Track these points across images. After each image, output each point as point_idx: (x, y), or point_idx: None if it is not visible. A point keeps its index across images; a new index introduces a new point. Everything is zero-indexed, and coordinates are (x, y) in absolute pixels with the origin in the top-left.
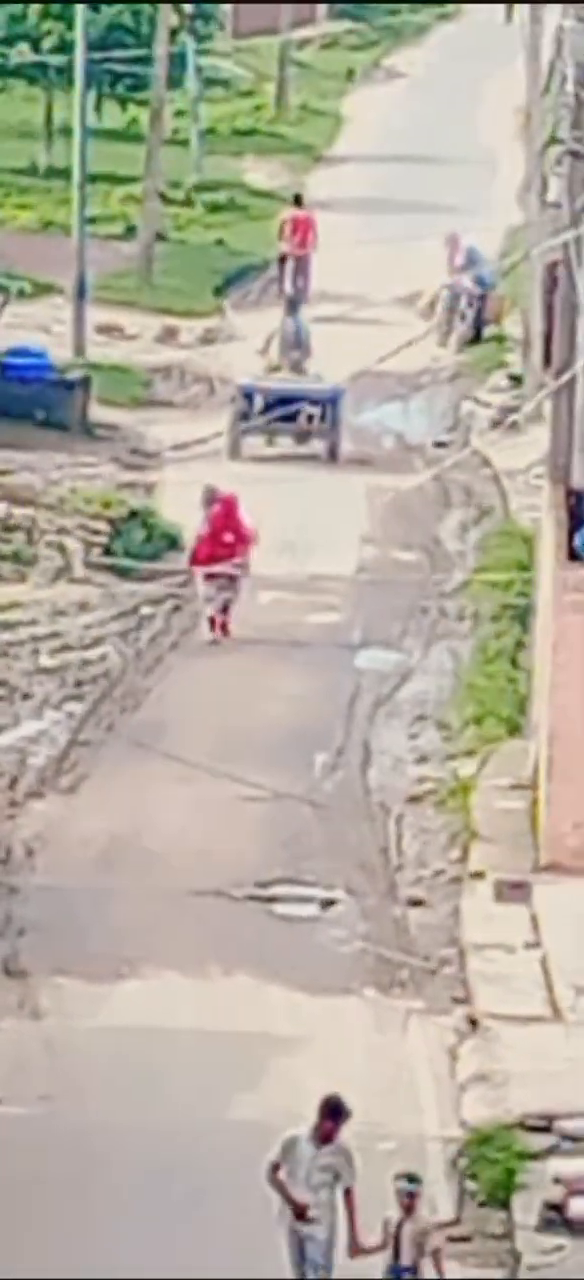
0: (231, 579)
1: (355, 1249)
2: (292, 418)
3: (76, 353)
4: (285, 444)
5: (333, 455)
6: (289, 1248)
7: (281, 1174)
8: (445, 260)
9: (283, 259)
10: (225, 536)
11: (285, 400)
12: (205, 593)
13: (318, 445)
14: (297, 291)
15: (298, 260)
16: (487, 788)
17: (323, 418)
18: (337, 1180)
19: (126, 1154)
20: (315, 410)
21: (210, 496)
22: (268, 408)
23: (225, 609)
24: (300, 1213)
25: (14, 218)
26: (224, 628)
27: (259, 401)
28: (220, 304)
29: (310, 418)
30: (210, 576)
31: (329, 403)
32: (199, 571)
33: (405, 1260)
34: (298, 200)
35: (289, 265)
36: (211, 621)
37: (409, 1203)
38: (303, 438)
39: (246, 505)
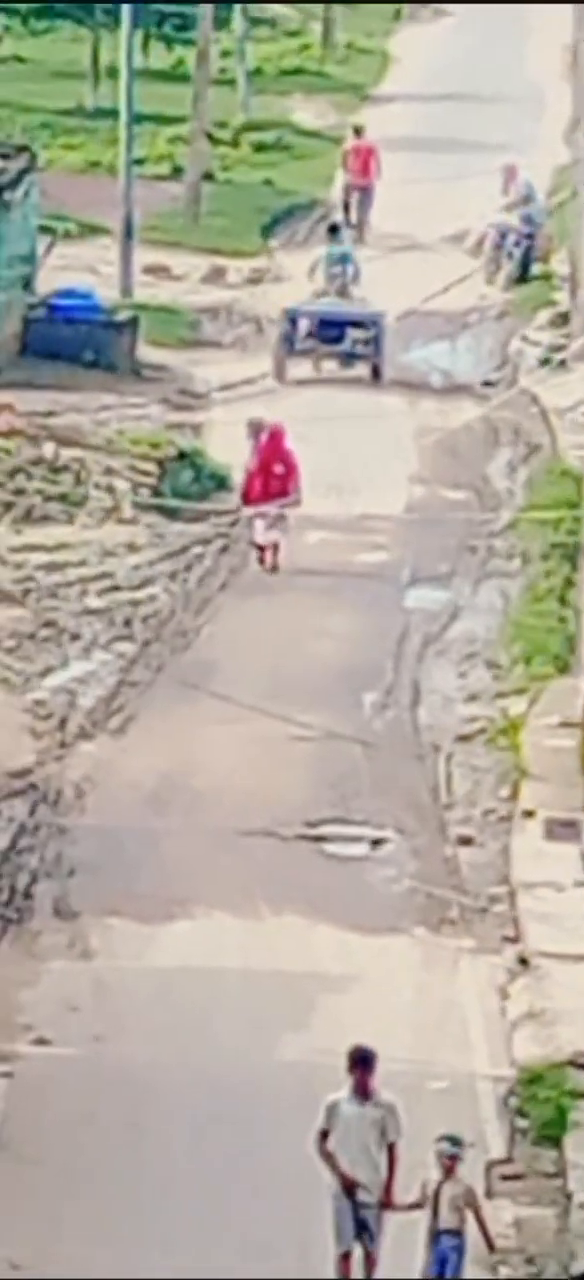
0: (281, 511)
1: (389, 1202)
2: (337, 340)
3: (124, 293)
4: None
5: (376, 376)
6: (337, 1216)
7: (331, 1143)
8: (500, 190)
9: (346, 188)
10: (275, 467)
11: (330, 323)
12: (257, 525)
13: (362, 368)
14: (360, 220)
15: (361, 190)
16: (536, 726)
17: (367, 341)
18: (383, 1137)
19: (176, 1095)
20: (360, 333)
21: (257, 428)
22: (313, 331)
23: (275, 542)
24: (351, 1187)
25: (61, 158)
26: (274, 561)
27: (305, 325)
28: (267, 244)
29: (355, 341)
30: (263, 505)
31: (373, 325)
32: (250, 508)
33: (444, 1223)
34: (358, 131)
35: (354, 195)
36: (261, 552)
37: (450, 1164)
38: (348, 360)
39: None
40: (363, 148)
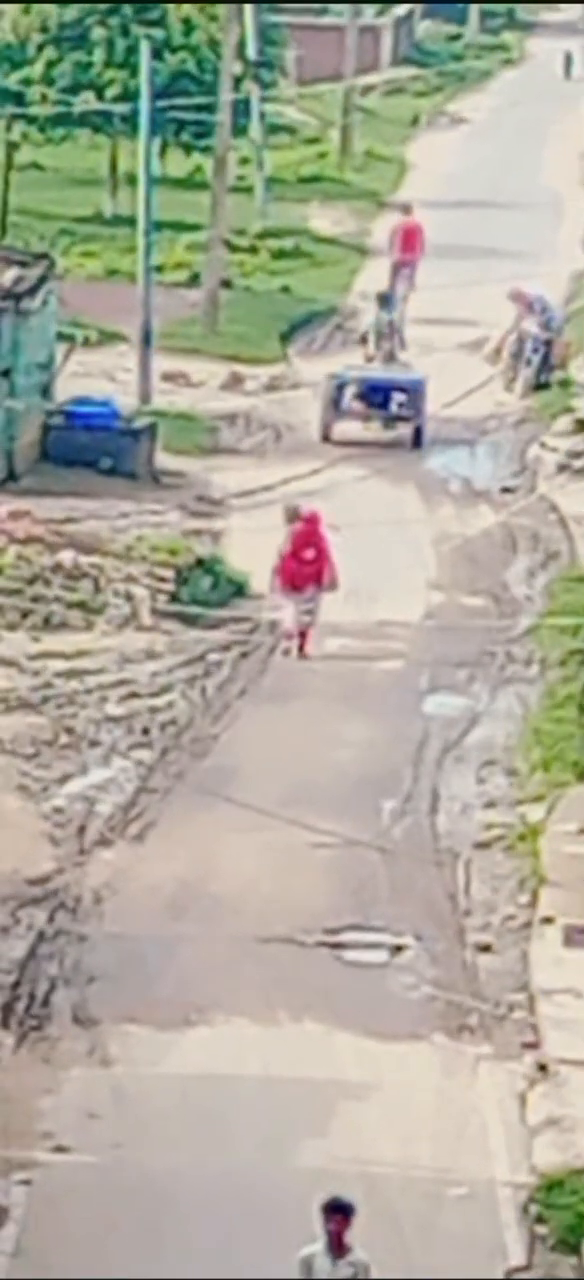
0: (313, 596)
1: None
2: (383, 404)
3: (142, 400)
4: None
5: (418, 438)
6: None
7: None
8: (514, 313)
9: (395, 265)
10: (307, 554)
11: (376, 388)
12: (285, 609)
13: (404, 430)
14: (406, 293)
15: (408, 265)
16: (555, 833)
17: (409, 404)
18: None
19: (196, 1201)
20: (403, 397)
21: (293, 514)
22: (360, 394)
23: (304, 630)
24: None
25: (80, 266)
26: (302, 648)
27: (351, 389)
28: (286, 351)
29: (400, 404)
30: (292, 593)
31: (414, 391)
32: (279, 589)
33: None
34: (407, 210)
35: (402, 271)
36: (287, 639)
37: None
38: (391, 422)
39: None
40: (410, 226)
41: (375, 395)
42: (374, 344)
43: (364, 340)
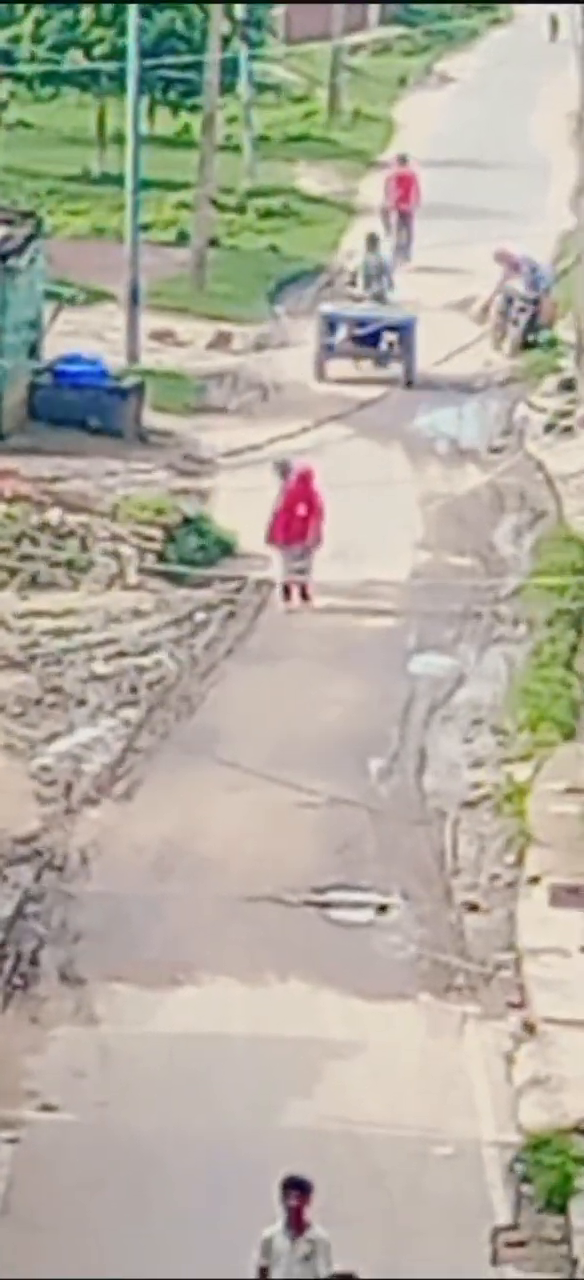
0: (304, 550)
1: None
2: (373, 343)
3: (130, 359)
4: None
5: (409, 376)
6: None
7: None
8: (500, 274)
9: (385, 211)
10: (299, 509)
11: (366, 326)
12: (279, 563)
13: (396, 368)
14: (402, 243)
15: (402, 214)
16: (542, 792)
17: (400, 344)
18: (314, 1272)
19: (181, 1160)
20: (393, 336)
21: (284, 469)
22: (352, 335)
23: (302, 578)
24: None
25: (67, 224)
26: (305, 596)
27: (343, 328)
28: (273, 310)
29: (390, 343)
30: (284, 547)
31: (405, 329)
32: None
33: None
34: (402, 159)
35: (393, 218)
36: (286, 591)
37: None
38: (382, 361)
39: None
40: (404, 175)
41: (367, 335)
42: (364, 285)
43: (353, 282)
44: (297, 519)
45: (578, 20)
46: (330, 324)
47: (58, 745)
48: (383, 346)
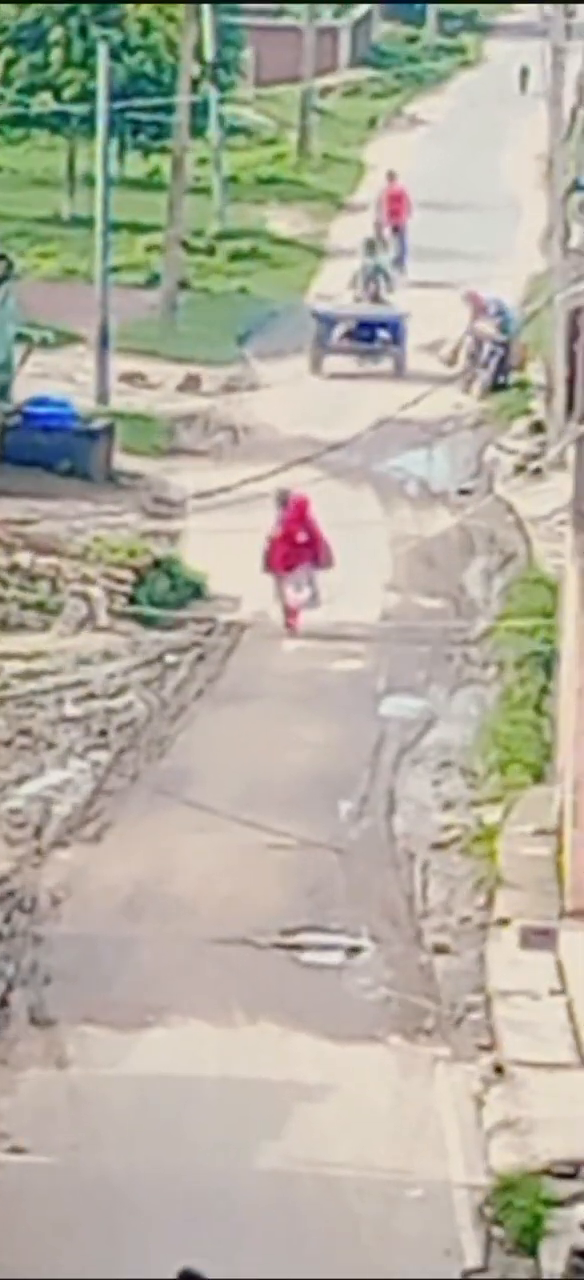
0: (309, 578)
1: None
2: (369, 339)
3: (100, 401)
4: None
5: (399, 368)
6: None
7: None
8: (468, 316)
9: (378, 226)
10: (299, 537)
11: (364, 325)
12: (280, 591)
13: (386, 362)
14: (398, 254)
15: (395, 229)
16: (512, 834)
17: (392, 340)
18: None
19: (152, 1202)
20: (387, 334)
21: (283, 498)
22: (349, 331)
23: (297, 608)
24: None
25: (37, 266)
26: (293, 624)
27: (339, 326)
28: (243, 352)
29: (384, 340)
30: (284, 575)
31: (395, 326)
32: (272, 571)
33: None
34: (392, 176)
35: (386, 232)
36: (289, 615)
37: None
38: (375, 356)
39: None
40: (395, 192)
41: (361, 330)
42: (362, 285)
43: (353, 284)
44: (297, 546)
45: (548, 69)
46: (326, 322)
47: (28, 787)
48: (377, 343)
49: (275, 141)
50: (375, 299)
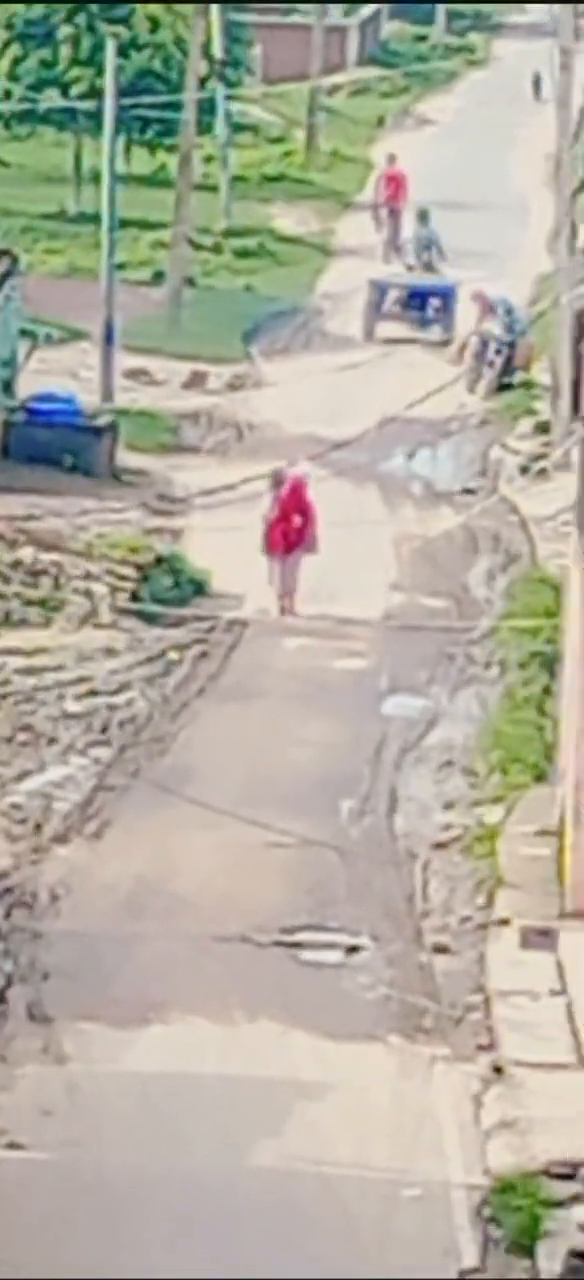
0: (295, 559)
1: None
2: (420, 308)
3: (104, 398)
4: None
5: (447, 336)
6: None
7: None
8: (476, 320)
9: (376, 207)
10: (294, 518)
11: (415, 293)
12: (277, 573)
13: (436, 330)
14: (392, 236)
15: (392, 211)
16: (513, 834)
17: (442, 307)
18: None
19: (150, 1200)
20: (437, 302)
21: (278, 479)
22: (400, 300)
23: (291, 587)
24: None
25: (43, 263)
26: (289, 606)
27: (392, 294)
28: (248, 350)
29: (435, 309)
30: (282, 557)
31: (447, 295)
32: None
33: None
34: (392, 159)
35: (384, 214)
36: (283, 599)
37: None
38: (425, 324)
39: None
40: (395, 174)
41: (413, 300)
42: (414, 255)
43: (402, 252)
44: (293, 528)
45: (556, 70)
46: (380, 290)
47: (28, 783)
48: (428, 312)
49: (283, 139)
50: (427, 268)
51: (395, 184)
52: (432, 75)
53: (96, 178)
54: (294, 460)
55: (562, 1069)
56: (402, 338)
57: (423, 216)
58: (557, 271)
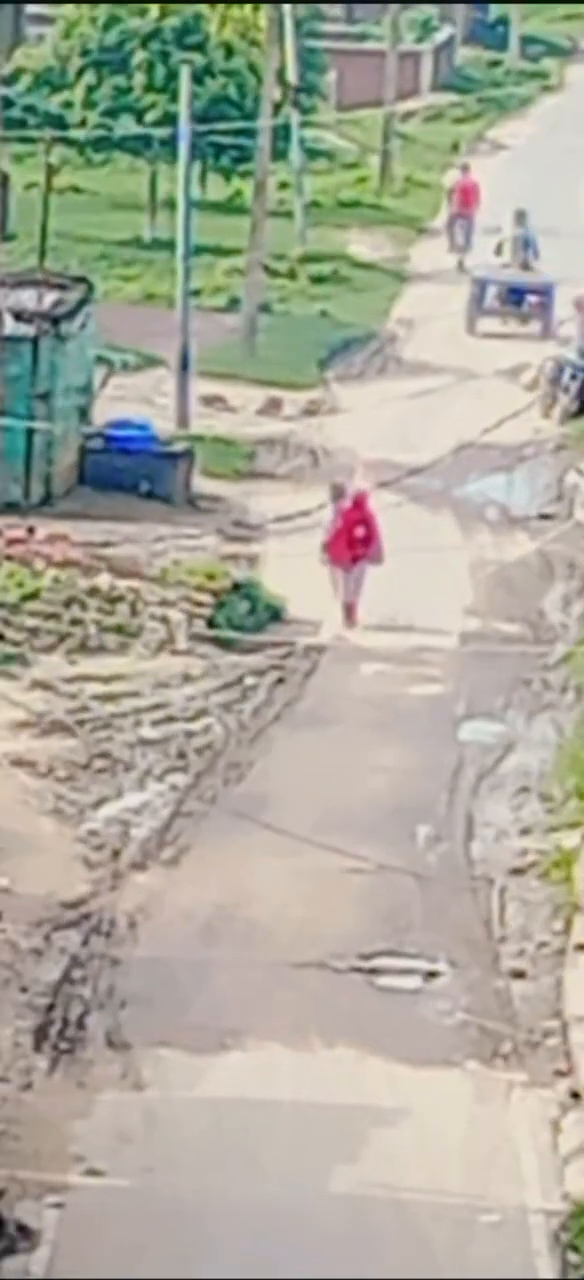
0: (361, 570)
1: None
2: (519, 304)
3: (180, 425)
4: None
5: (546, 332)
6: None
7: None
8: (575, 323)
9: (451, 219)
10: (357, 531)
11: (515, 290)
12: (341, 584)
13: (535, 325)
14: (464, 244)
15: (465, 219)
16: None
17: (541, 305)
18: None
19: (227, 1226)
20: (535, 298)
21: (338, 491)
22: (501, 296)
23: (355, 597)
24: None
25: (118, 290)
26: (353, 616)
27: (492, 289)
28: (323, 376)
29: (532, 305)
30: (346, 569)
31: (546, 292)
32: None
33: None
34: (465, 168)
35: (458, 224)
36: (348, 610)
37: None
38: (525, 319)
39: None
40: (468, 184)
41: (513, 295)
42: (511, 254)
43: (499, 251)
44: (357, 542)
45: None
46: (481, 286)
47: (106, 810)
48: (526, 307)
49: (357, 165)
50: (524, 266)
51: (467, 193)
52: (505, 101)
53: (171, 204)
54: (353, 472)
55: None
56: (502, 332)
57: (520, 217)
58: None
